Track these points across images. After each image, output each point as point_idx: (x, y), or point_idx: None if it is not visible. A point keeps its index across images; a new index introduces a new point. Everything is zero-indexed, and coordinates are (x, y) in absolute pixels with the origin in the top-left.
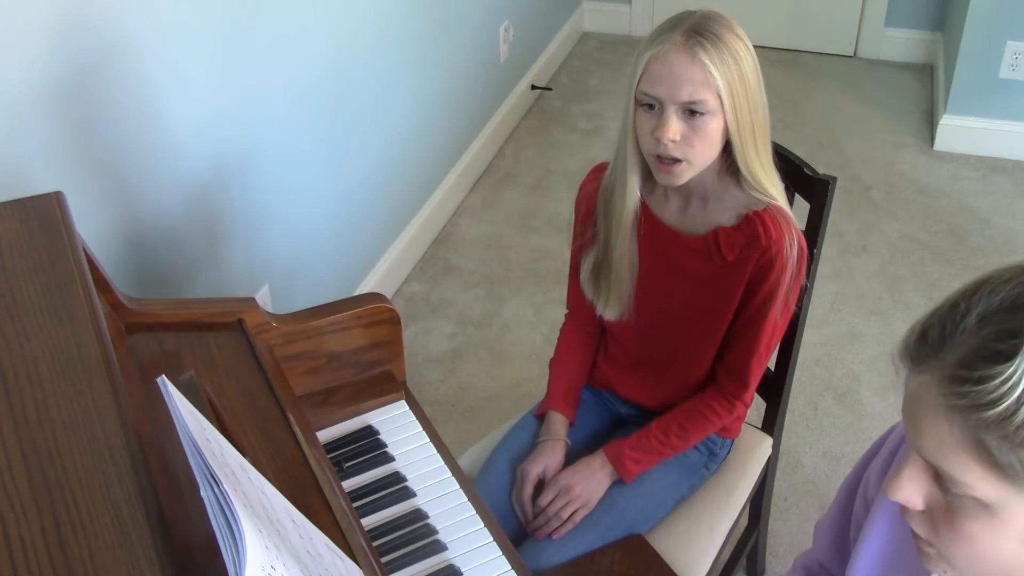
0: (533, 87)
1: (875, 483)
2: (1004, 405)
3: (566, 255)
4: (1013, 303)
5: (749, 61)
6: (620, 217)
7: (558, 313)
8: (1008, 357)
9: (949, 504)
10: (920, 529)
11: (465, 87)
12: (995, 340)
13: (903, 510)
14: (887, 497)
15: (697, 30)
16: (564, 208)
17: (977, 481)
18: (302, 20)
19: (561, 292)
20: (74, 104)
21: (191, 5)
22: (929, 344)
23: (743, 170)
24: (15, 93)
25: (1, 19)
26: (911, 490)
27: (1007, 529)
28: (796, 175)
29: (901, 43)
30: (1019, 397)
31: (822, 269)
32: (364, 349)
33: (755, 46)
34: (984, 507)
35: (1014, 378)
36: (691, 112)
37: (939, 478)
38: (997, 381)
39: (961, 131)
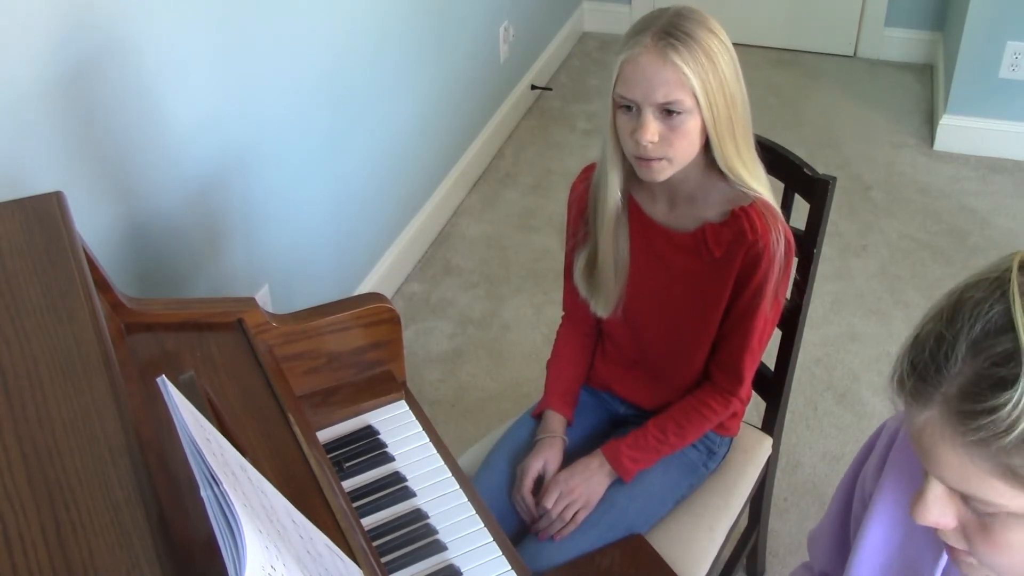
0: (533, 87)
1: (871, 480)
2: (1021, 428)
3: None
4: (998, 325)
5: (725, 56)
6: (604, 215)
7: (558, 313)
8: (1012, 382)
9: (982, 520)
10: (957, 543)
11: (465, 87)
12: (994, 366)
13: (935, 528)
14: (912, 518)
15: (668, 30)
16: (564, 208)
17: (1010, 500)
18: (303, 20)
19: (561, 292)
20: (74, 104)
21: (192, 5)
22: (925, 381)
23: (722, 166)
24: (16, 92)
25: (1, 18)
26: (938, 512)
27: None
28: (796, 175)
29: (901, 43)
30: None
31: (822, 269)
32: (364, 349)
33: (755, 46)
34: (1018, 517)
35: (1023, 400)
36: (668, 112)
37: (966, 499)
38: (1008, 407)
39: (961, 131)
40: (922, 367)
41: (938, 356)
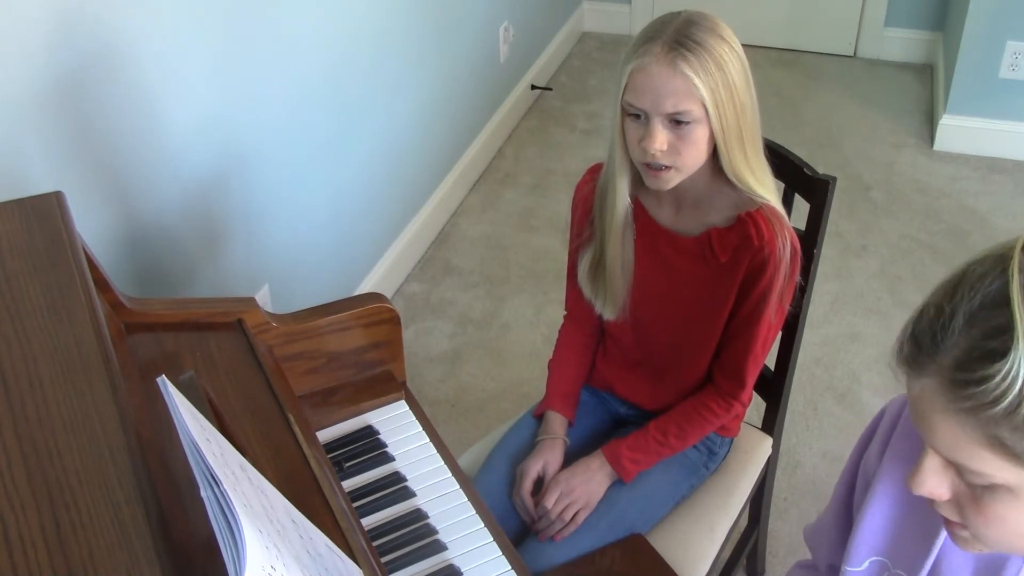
0: (533, 87)
1: (874, 462)
2: (1008, 400)
3: (566, 255)
4: (995, 299)
5: (735, 64)
6: (612, 220)
7: (558, 313)
8: (1003, 354)
9: (974, 491)
10: (950, 515)
11: (465, 87)
12: (986, 338)
13: (931, 500)
14: (908, 488)
15: (678, 39)
16: (564, 208)
17: (997, 470)
18: (303, 20)
19: (561, 292)
20: (74, 104)
21: (194, 5)
22: (922, 350)
23: (729, 174)
24: (15, 93)
25: (1, 18)
26: (934, 483)
27: None
28: (796, 175)
29: (901, 43)
30: (1021, 389)
31: (822, 269)
32: (364, 349)
33: (755, 46)
34: (1008, 490)
35: (1012, 372)
36: (677, 121)
37: (959, 469)
38: (997, 379)
39: (961, 131)
40: (921, 337)
41: (936, 327)
